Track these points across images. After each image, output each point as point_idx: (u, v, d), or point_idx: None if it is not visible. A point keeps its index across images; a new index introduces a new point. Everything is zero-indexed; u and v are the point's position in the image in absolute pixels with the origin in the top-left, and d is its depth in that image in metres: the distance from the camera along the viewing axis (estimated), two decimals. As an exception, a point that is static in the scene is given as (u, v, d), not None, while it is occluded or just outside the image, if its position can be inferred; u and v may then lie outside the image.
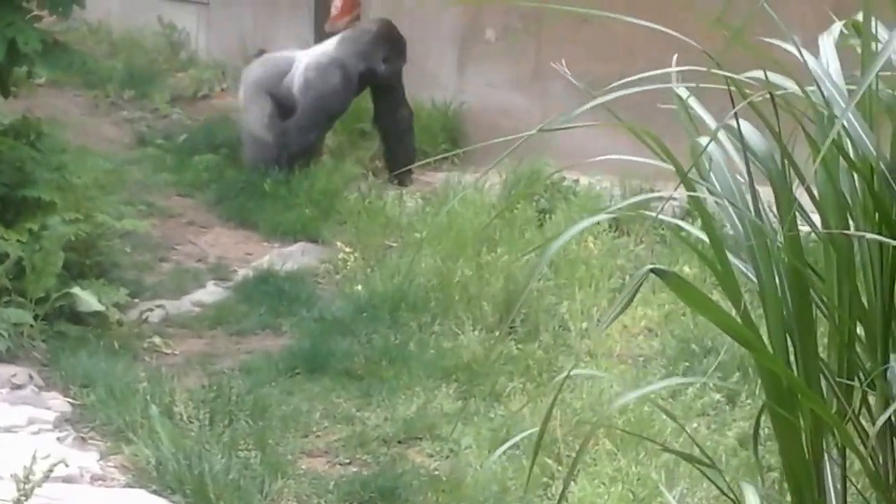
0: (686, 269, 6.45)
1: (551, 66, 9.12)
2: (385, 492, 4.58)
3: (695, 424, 4.87)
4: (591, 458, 4.65)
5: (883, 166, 2.16)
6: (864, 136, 2.20)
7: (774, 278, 2.29)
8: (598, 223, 7.03)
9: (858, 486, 2.55)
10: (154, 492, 4.49)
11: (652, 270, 2.14)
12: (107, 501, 4.43)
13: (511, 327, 5.86)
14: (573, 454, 4.70)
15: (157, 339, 5.87)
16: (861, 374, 2.44)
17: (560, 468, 4.67)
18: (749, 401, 5.01)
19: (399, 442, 4.99)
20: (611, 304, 6.09)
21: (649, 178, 7.54)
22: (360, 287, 6.41)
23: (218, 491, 4.43)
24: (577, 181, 7.71)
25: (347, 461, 4.87)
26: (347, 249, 6.88)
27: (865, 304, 2.29)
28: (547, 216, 7.15)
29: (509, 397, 5.29)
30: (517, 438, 3.36)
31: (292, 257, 6.93)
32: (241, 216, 7.54)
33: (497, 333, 5.78)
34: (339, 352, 5.68)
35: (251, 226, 7.45)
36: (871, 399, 2.45)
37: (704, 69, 2.35)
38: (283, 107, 8.04)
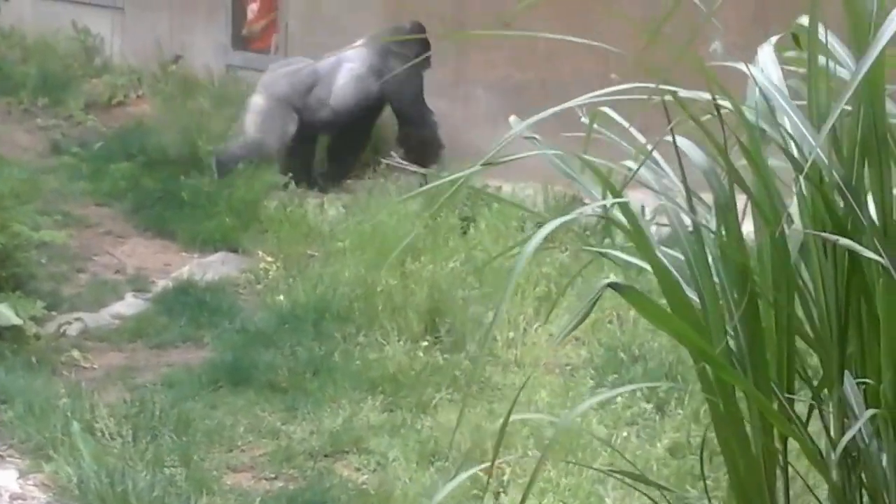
0: (612, 276, 6.46)
1: (473, 71, 9.15)
2: (312, 507, 4.54)
3: (625, 434, 4.87)
4: (520, 469, 4.64)
5: (836, 175, 2.17)
6: (814, 143, 2.20)
7: (714, 286, 2.30)
8: (523, 230, 7.05)
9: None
10: (75, 510, 4.41)
11: (609, 285, 2.14)
12: (27, 521, 4.35)
13: (437, 337, 5.84)
14: (504, 466, 4.68)
15: (75, 353, 5.77)
16: (807, 385, 2.45)
17: (490, 480, 4.64)
18: (679, 410, 5.02)
19: (326, 455, 4.94)
20: (537, 312, 6.09)
21: (572, 185, 7.55)
22: (282, 297, 6.35)
23: (142, 509, 4.36)
24: (499, 188, 7.70)
25: (273, 476, 4.81)
26: (269, 259, 6.82)
27: (815, 314, 2.29)
28: (470, 224, 7.14)
29: (436, 408, 5.26)
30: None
31: (212, 267, 6.86)
32: (159, 225, 7.45)
33: (423, 344, 5.75)
34: (262, 364, 5.62)
35: (170, 235, 7.36)
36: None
37: (637, 82, 2.34)
38: (304, 120, 8.01)
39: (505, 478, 4.66)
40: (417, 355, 5.65)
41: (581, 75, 8.21)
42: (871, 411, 2.16)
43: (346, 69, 8.03)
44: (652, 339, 5.73)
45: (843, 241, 2.11)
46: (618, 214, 2.43)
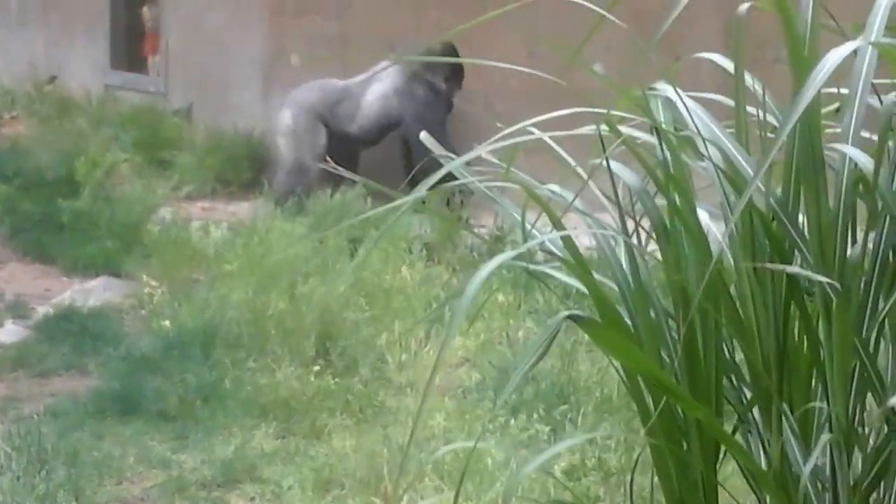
0: (500, 296, 6.46)
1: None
2: (207, 539, 4.43)
3: (521, 454, 4.82)
4: (419, 496, 4.58)
5: (773, 201, 2.17)
6: (750, 171, 2.20)
7: (649, 313, 2.29)
8: (411, 252, 7.01)
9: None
10: (-39, 550, 4.24)
11: (569, 317, 2.12)
12: None
13: (329, 361, 5.76)
14: (400, 492, 4.62)
15: (-47, 384, 5.59)
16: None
17: (387, 507, 4.58)
18: (574, 432, 4.99)
19: (219, 485, 4.81)
20: (428, 335, 6.05)
21: (456, 207, 7.56)
22: (168, 323, 6.21)
23: (30, 545, 4.22)
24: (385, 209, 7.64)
25: (165, 507, 4.69)
26: (153, 283, 6.68)
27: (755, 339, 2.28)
28: (358, 246, 7.07)
29: (330, 434, 5.18)
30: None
31: (94, 293, 6.70)
32: (38, 250, 7.27)
33: (315, 368, 5.66)
34: (150, 392, 5.48)
35: (49, 260, 7.19)
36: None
37: (581, 109, 2.32)
38: (331, 134, 7.91)
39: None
40: (309, 380, 5.56)
41: (464, 94, 8.23)
42: (826, 436, 2.15)
43: (374, 88, 7.98)
44: (543, 361, 5.71)
45: (791, 268, 2.10)
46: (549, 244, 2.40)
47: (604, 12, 2.38)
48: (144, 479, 4.84)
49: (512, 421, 5.17)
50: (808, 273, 2.11)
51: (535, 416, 5.07)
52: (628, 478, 4.69)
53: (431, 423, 5.09)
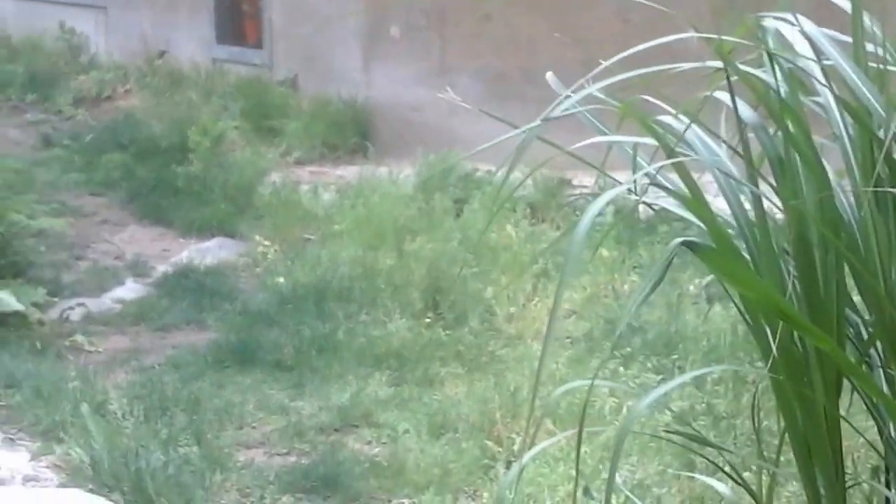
0: (604, 251, 6.32)
1: (456, 61, 8.97)
2: (327, 480, 4.35)
3: (630, 403, 4.70)
4: (532, 440, 4.46)
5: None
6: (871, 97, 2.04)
7: (773, 248, 2.15)
8: (515, 212, 6.88)
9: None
10: (90, 490, 4.20)
11: (683, 243, 1.97)
12: (42, 502, 4.15)
13: (438, 314, 5.68)
14: (513, 436, 4.53)
15: (79, 338, 5.57)
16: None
17: (500, 450, 4.49)
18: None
19: (336, 430, 4.76)
20: (534, 288, 5.94)
21: (560, 168, 7.42)
22: (282, 279, 6.16)
23: (157, 487, 4.16)
24: (489, 171, 7.55)
25: (285, 451, 4.62)
26: (266, 243, 6.64)
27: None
28: (463, 206, 6.98)
29: (442, 382, 5.09)
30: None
31: (210, 252, 6.67)
32: (155, 214, 7.26)
33: (425, 320, 5.58)
34: (266, 343, 5.44)
35: (166, 223, 7.18)
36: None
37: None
38: None
39: (515, 447, 4.50)
40: (420, 332, 5.48)
41: (561, 63, 8.09)
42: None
43: None
44: (649, 312, 5.59)
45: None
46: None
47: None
48: (264, 425, 4.80)
49: (621, 369, 5.05)
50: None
51: (648, 364, 4.94)
52: (737, 421, 4.58)
53: (542, 369, 4.98)
